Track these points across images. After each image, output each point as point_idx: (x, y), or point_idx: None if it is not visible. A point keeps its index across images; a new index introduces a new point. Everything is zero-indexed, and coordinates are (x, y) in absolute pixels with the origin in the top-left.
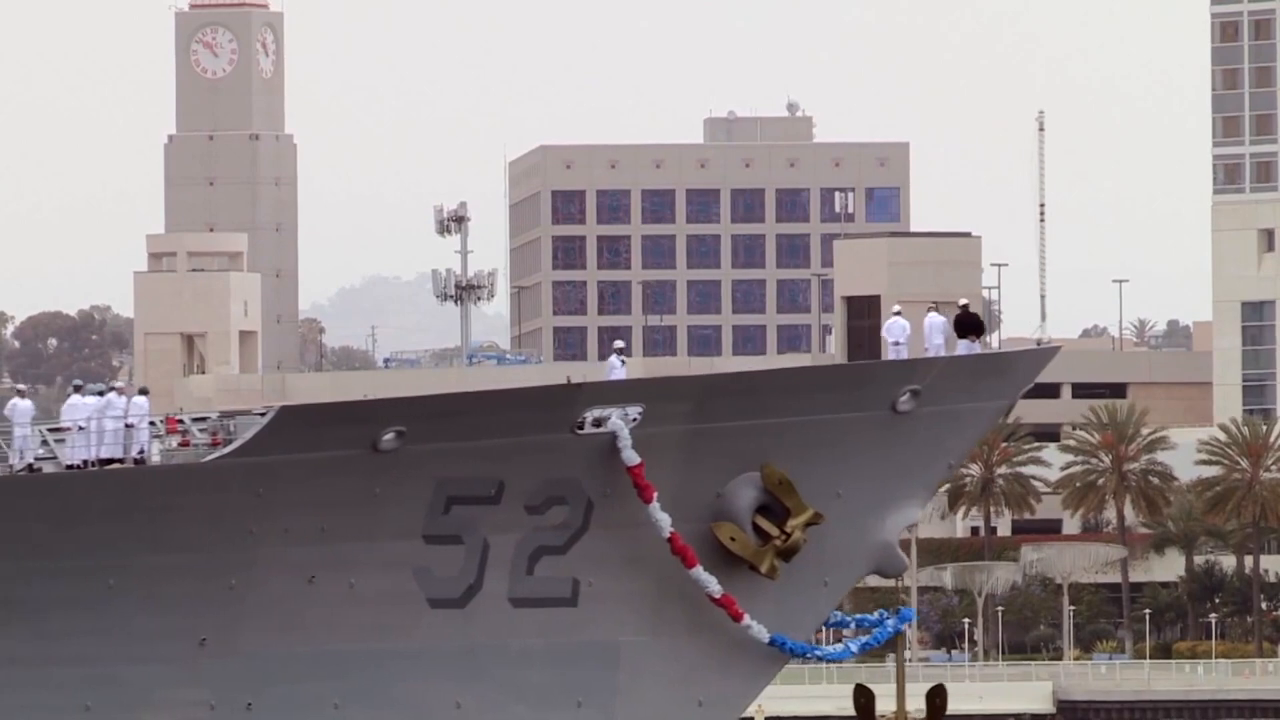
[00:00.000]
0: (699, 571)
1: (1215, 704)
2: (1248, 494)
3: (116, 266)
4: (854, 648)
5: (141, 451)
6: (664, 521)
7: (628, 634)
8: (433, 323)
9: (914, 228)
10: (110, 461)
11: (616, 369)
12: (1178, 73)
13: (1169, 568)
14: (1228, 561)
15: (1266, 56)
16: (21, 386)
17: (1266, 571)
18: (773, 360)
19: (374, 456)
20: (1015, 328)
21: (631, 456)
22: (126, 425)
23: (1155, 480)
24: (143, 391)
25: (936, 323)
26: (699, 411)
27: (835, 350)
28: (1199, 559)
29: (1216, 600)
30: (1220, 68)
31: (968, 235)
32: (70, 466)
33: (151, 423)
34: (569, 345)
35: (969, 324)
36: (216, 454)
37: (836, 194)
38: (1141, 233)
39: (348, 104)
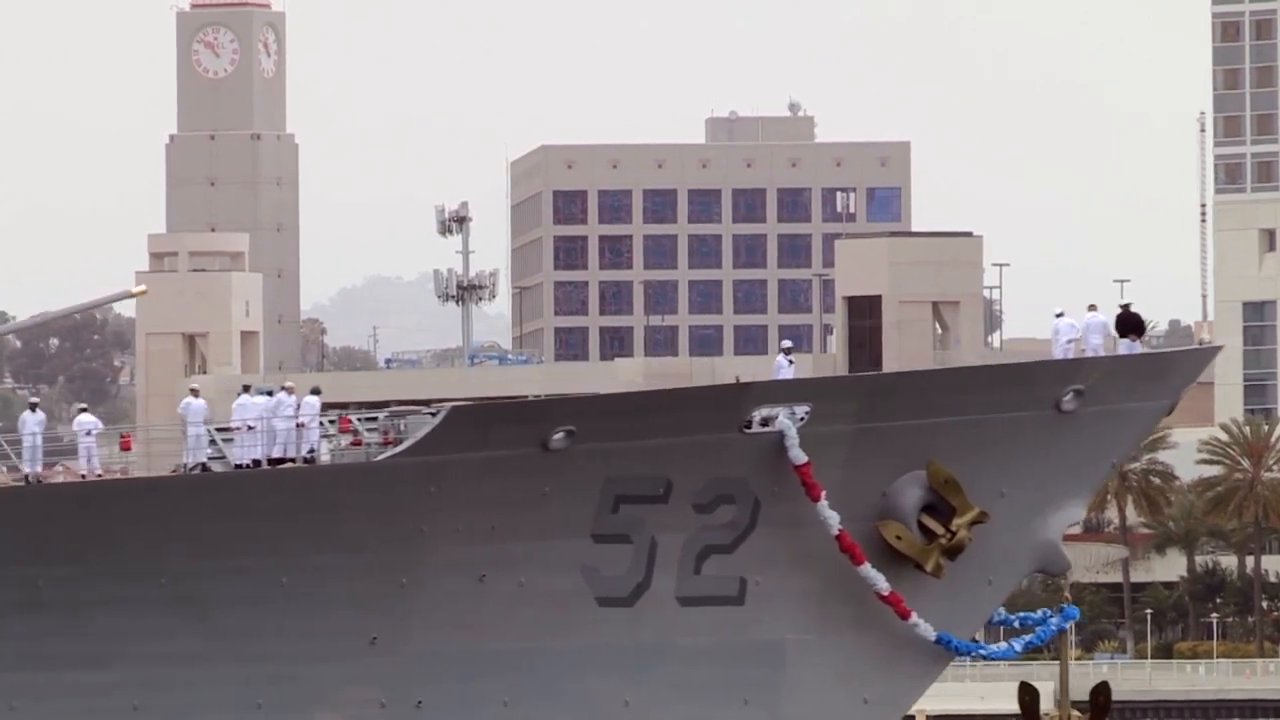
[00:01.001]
0: (867, 569)
1: (1217, 704)
2: (1249, 494)
3: (118, 266)
4: (1018, 647)
5: (312, 451)
6: (832, 519)
7: (794, 632)
8: (434, 323)
9: (915, 228)
10: (280, 461)
11: (784, 368)
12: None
13: (1170, 568)
14: (1229, 561)
15: (1267, 56)
16: (195, 385)
17: (1268, 571)
18: (774, 360)
19: (544, 456)
20: (1018, 328)
21: (799, 455)
22: (298, 425)
23: (1156, 480)
24: (314, 391)
25: (1096, 322)
26: (866, 411)
27: (836, 351)
28: (1200, 559)
29: (1218, 600)
30: (1221, 68)
31: (969, 235)
32: (238, 466)
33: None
34: (570, 345)
35: (1130, 323)
36: (388, 453)
37: (838, 194)
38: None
39: (349, 104)
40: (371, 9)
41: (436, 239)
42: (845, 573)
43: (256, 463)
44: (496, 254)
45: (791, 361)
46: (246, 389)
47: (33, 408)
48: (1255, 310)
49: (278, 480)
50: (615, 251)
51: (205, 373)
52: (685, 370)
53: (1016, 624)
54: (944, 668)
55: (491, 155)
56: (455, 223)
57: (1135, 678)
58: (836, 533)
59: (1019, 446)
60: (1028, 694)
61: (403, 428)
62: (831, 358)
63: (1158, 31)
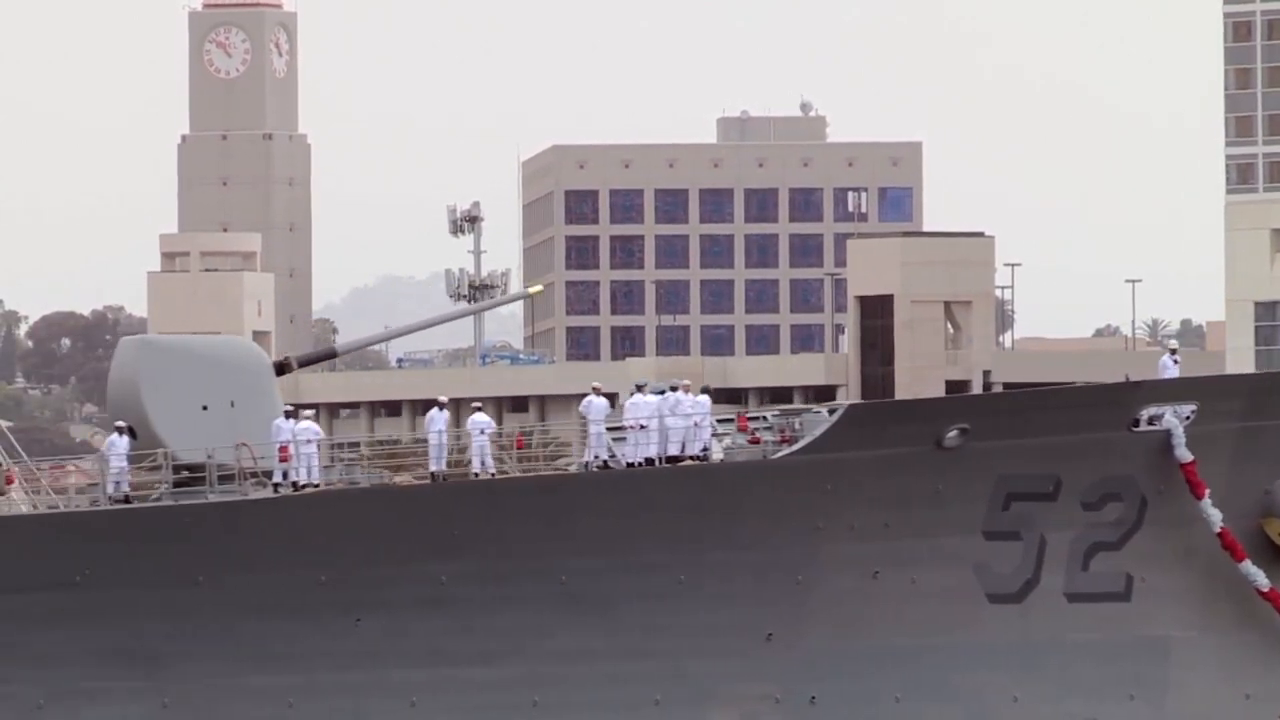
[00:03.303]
0: (1248, 565)
1: None
2: None
3: (130, 266)
4: None
5: (705, 449)
6: (1215, 517)
7: (1178, 629)
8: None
9: (927, 227)
10: (675, 459)
11: (1169, 368)
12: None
13: None
14: None
15: (1279, 56)
16: (597, 384)
17: None
18: (785, 360)
19: (938, 453)
20: (1028, 328)
21: (1184, 454)
22: (695, 424)
23: None
24: (704, 390)
25: None
26: (1251, 409)
27: (849, 350)
28: None
29: None
30: (1233, 67)
31: (980, 235)
32: (629, 464)
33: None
34: (582, 345)
35: None
36: (785, 451)
37: (850, 194)
38: (1154, 233)
39: (361, 104)
40: (382, 9)
41: (448, 239)
42: (1227, 570)
43: (649, 461)
44: (508, 254)
45: (1177, 361)
46: (640, 388)
47: (440, 406)
48: (1267, 310)
49: (678, 478)
50: (627, 251)
51: None
52: (698, 370)
53: None
54: None
55: (503, 155)
56: (467, 222)
57: None
58: (1218, 530)
59: None
60: None
61: (798, 426)
62: (843, 357)
63: (1164, 31)
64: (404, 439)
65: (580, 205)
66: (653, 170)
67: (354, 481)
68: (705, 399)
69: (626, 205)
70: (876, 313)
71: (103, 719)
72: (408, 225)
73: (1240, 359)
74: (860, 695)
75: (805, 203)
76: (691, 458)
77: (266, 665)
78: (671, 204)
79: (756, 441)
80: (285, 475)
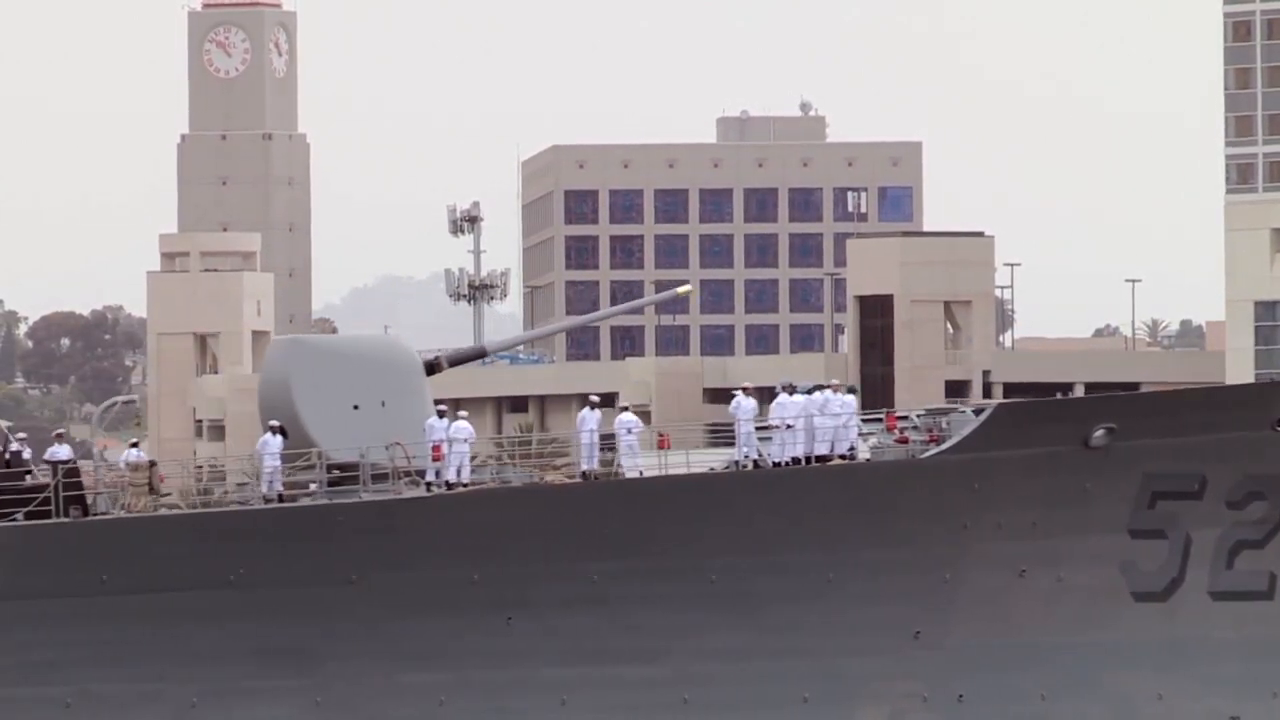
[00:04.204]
0: None
1: None
2: None
3: (129, 266)
4: None
5: (852, 448)
6: None
7: None
8: (445, 322)
9: (927, 227)
10: (824, 459)
11: None
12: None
13: None
14: None
15: (1279, 56)
16: (747, 384)
17: None
18: (785, 360)
19: (1085, 453)
20: (1028, 328)
21: None
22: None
23: None
24: (850, 390)
25: None
26: None
27: (848, 350)
28: None
29: None
30: (1233, 67)
31: (980, 235)
32: (775, 464)
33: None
34: (582, 345)
35: None
36: (934, 450)
37: (849, 193)
38: (1154, 233)
39: (360, 103)
40: (382, 9)
41: (448, 238)
42: None
43: (795, 460)
44: (508, 253)
45: None
46: (787, 388)
47: (592, 406)
48: (1267, 310)
49: (827, 477)
50: (626, 251)
51: (217, 372)
52: (697, 370)
53: None
54: None
55: (503, 155)
56: (467, 222)
57: None
58: None
59: None
60: None
61: (945, 425)
62: (843, 357)
63: (1164, 31)
64: (560, 437)
65: (580, 205)
66: (653, 170)
67: (506, 481)
68: (851, 398)
69: (626, 205)
70: (876, 313)
71: (255, 718)
72: (408, 225)
73: (1240, 359)
74: (1006, 693)
75: (805, 203)
76: (840, 457)
77: (418, 664)
78: (671, 204)
79: (905, 441)
80: (437, 474)
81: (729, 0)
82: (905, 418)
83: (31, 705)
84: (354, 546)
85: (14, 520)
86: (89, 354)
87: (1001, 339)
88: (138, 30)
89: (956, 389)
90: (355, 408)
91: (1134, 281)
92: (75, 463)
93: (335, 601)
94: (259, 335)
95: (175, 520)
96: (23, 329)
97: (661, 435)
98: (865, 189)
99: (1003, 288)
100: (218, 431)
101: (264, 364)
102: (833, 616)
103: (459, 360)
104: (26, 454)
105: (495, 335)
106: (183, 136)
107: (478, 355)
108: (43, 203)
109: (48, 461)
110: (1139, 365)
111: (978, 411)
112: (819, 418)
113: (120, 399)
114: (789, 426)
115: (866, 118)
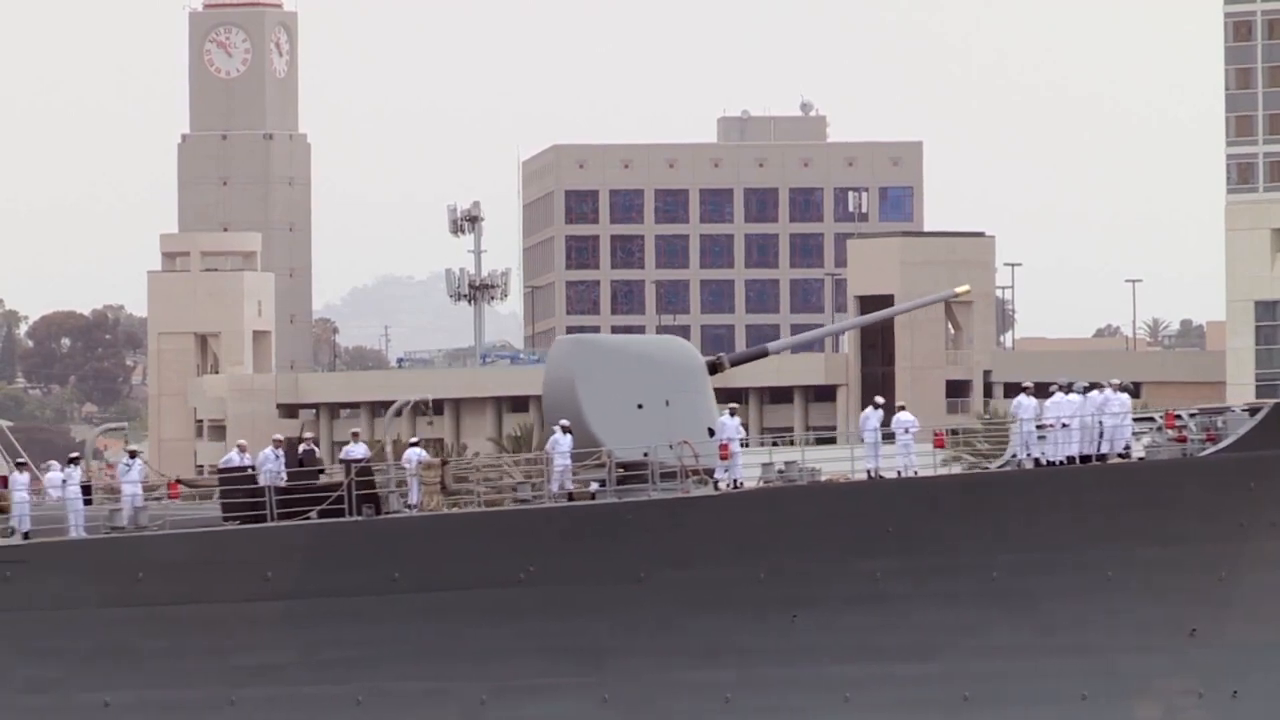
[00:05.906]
0: None
1: None
2: None
3: (130, 266)
4: None
5: (1127, 447)
6: None
7: None
8: (446, 322)
9: (927, 227)
10: (1102, 458)
11: None
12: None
13: None
14: None
15: (1279, 56)
16: (1028, 384)
17: None
18: (785, 360)
19: None
20: (1029, 328)
21: None
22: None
23: None
24: (1123, 389)
25: None
26: None
27: (848, 350)
28: None
29: None
30: (1234, 67)
31: (981, 235)
32: (1049, 463)
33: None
34: None
35: None
36: (1211, 450)
37: (850, 193)
38: (1154, 233)
39: (361, 103)
40: (384, 9)
41: (448, 238)
42: None
43: (1070, 459)
44: (508, 253)
45: None
46: (1064, 387)
47: (875, 405)
48: (1267, 310)
49: (1107, 476)
50: (627, 251)
51: (217, 372)
52: None
53: None
54: None
55: (503, 155)
56: (467, 222)
57: None
58: None
59: None
60: None
61: (1221, 424)
62: (844, 357)
63: (1163, 31)
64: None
65: (580, 205)
66: (653, 170)
67: (790, 479)
68: (1125, 397)
69: (626, 205)
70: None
71: (544, 715)
72: (407, 225)
73: (1240, 359)
74: None
75: (805, 203)
76: (1119, 456)
77: (705, 660)
78: (671, 204)
79: (1183, 440)
80: (725, 472)
81: (730, 1)
82: (1180, 416)
83: (323, 702)
84: (642, 545)
85: (308, 519)
86: (89, 354)
87: (1002, 339)
88: (138, 30)
89: (957, 389)
90: (639, 406)
91: (1134, 281)
92: (369, 462)
93: (623, 599)
94: (259, 335)
95: (466, 519)
96: (23, 329)
97: (937, 434)
98: (866, 189)
99: (1003, 288)
100: (218, 431)
101: (548, 362)
102: (1111, 614)
103: (740, 360)
104: (318, 454)
105: (495, 335)
106: (183, 136)
107: (759, 355)
108: (43, 202)
109: (343, 460)
110: (1140, 365)
111: (1252, 410)
112: (1105, 416)
113: (413, 399)
114: (1064, 425)
115: (867, 117)
